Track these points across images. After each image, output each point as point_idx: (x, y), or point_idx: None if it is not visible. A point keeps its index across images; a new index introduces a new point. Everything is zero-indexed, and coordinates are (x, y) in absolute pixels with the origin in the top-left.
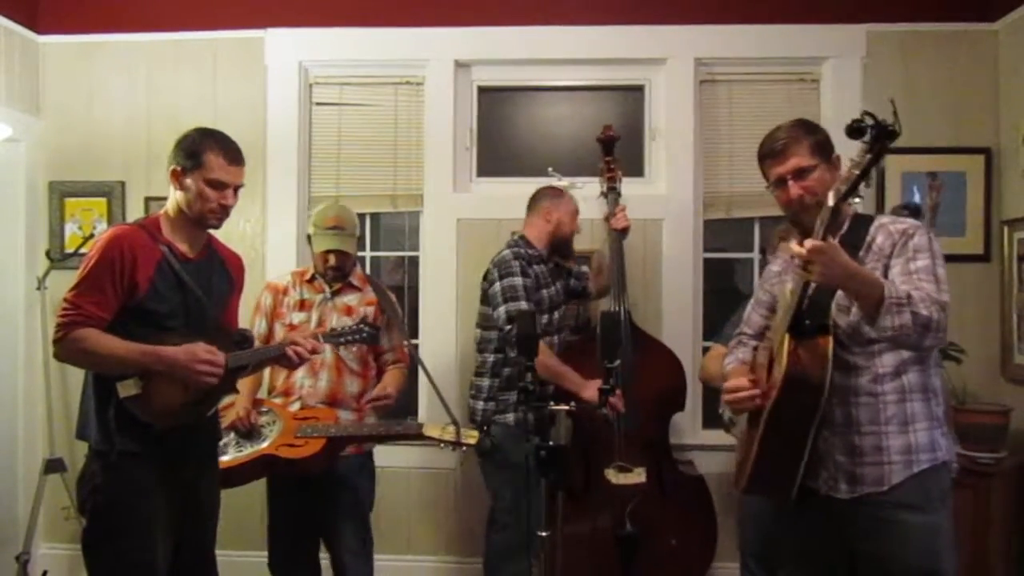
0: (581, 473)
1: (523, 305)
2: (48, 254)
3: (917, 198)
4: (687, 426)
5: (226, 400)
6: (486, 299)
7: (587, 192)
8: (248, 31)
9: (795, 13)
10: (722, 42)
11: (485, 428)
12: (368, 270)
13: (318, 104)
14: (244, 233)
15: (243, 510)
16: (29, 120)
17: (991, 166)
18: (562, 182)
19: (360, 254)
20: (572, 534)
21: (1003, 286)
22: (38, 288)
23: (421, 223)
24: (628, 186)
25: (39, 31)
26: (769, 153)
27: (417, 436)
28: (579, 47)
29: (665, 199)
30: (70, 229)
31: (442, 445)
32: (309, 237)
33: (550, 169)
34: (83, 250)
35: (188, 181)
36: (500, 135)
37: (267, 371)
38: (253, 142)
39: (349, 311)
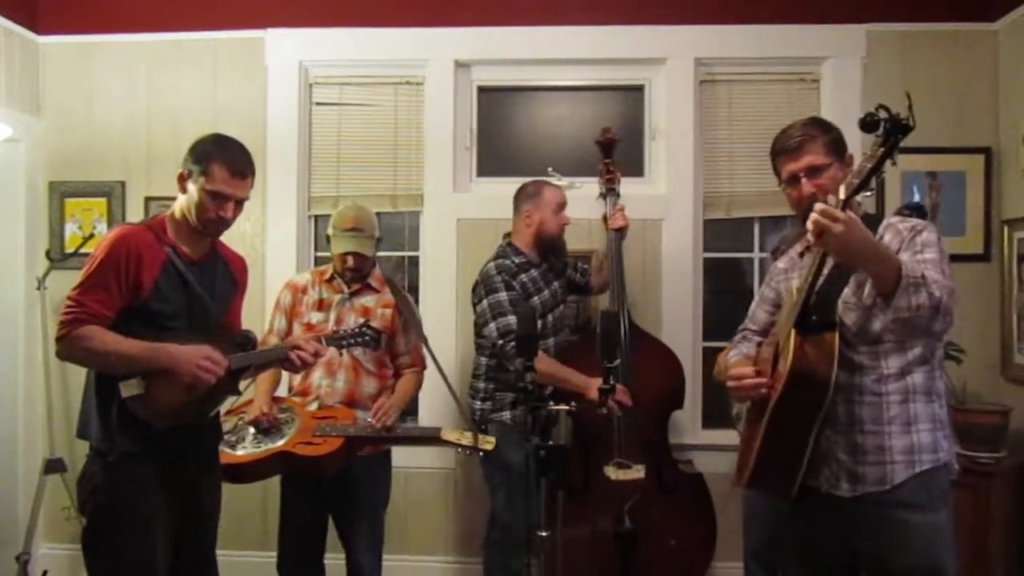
0: (581, 472)
1: (511, 319)
2: (48, 254)
3: (917, 198)
4: (687, 426)
5: (244, 397)
6: (476, 313)
7: (587, 192)
8: (248, 31)
9: (795, 13)
10: (722, 42)
11: (483, 428)
12: None
13: (318, 104)
14: (244, 233)
15: (243, 510)
16: (29, 120)
17: (991, 166)
18: (562, 182)
19: None
20: (572, 532)
21: (1003, 286)
22: (38, 288)
23: (421, 223)
24: (628, 186)
25: (39, 31)
26: (783, 150)
27: (435, 440)
28: (579, 47)
29: (665, 199)
30: (70, 229)
31: (459, 450)
32: (328, 238)
33: (550, 169)
34: (83, 250)
35: (191, 187)
36: (500, 135)
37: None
38: (253, 142)
39: (367, 312)
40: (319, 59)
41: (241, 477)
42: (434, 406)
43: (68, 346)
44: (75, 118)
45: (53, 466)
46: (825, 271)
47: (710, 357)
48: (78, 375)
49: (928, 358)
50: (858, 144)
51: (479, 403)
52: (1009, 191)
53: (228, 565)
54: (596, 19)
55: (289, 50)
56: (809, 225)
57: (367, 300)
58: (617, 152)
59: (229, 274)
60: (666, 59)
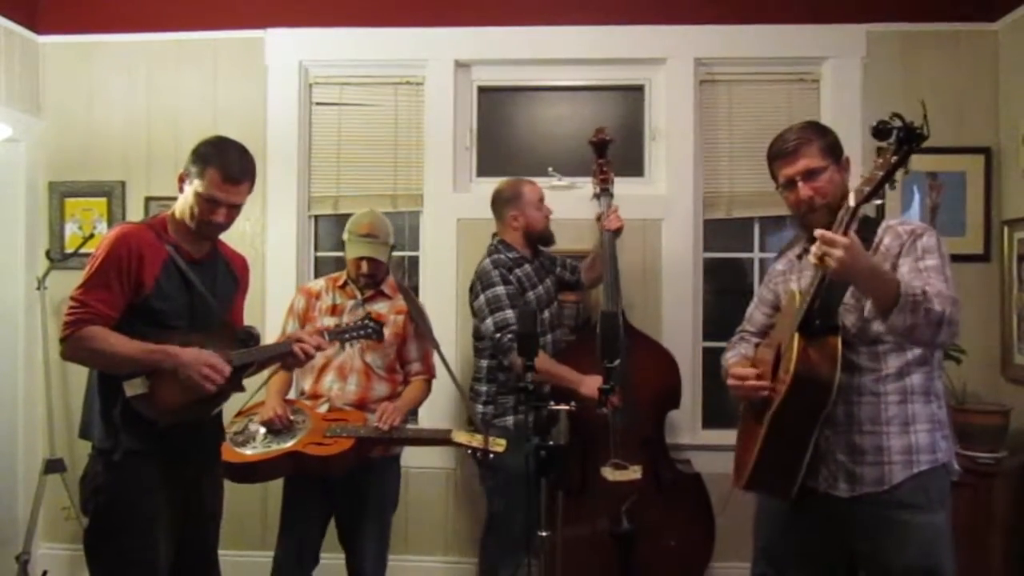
0: (578, 472)
1: (509, 314)
2: (48, 254)
3: (917, 198)
4: (687, 426)
5: (255, 400)
6: (474, 311)
7: (587, 192)
8: (248, 31)
9: (795, 13)
10: (722, 42)
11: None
12: None
13: (318, 104)
14: (244, 233)
15: (243, 510)
16: (29, 120)
17: (991, 166)
18: (562, 182)
19: None
20: (570, 532)
21: (1003, 286)
22: (38, 288)
23: (421, 223)
24: (628, 186)
25: (39, 31)
26: (779, 154)
27: (445, 441)
28: (579, 47)
29: (665, 199)
30: (70, 229)
31: (469, 451)
32: (343, 243)
33: (550, 169)
34: (83, 250)
35: (188, 188)
36: (500, 135)
37: (296, 374)
38: (253, 142)
39: (379, 319)
40: (319, 59)
41: (250, 477)
42: (435, 408)
43: (72, 346)
44: (75, 118)
45: (53, 466)
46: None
47: (710, 357)
48: (78, 375)
49: (927, 359)
50: (859, 145)
51: (481, 407)
52: (1009, 191)
53: (228, 565)
54: (596, 19)
55: (289, 50)
56: (812, 249)
57: (380, 306)
58: (611, 152)
59: (230, 273)
60: (666, 59)
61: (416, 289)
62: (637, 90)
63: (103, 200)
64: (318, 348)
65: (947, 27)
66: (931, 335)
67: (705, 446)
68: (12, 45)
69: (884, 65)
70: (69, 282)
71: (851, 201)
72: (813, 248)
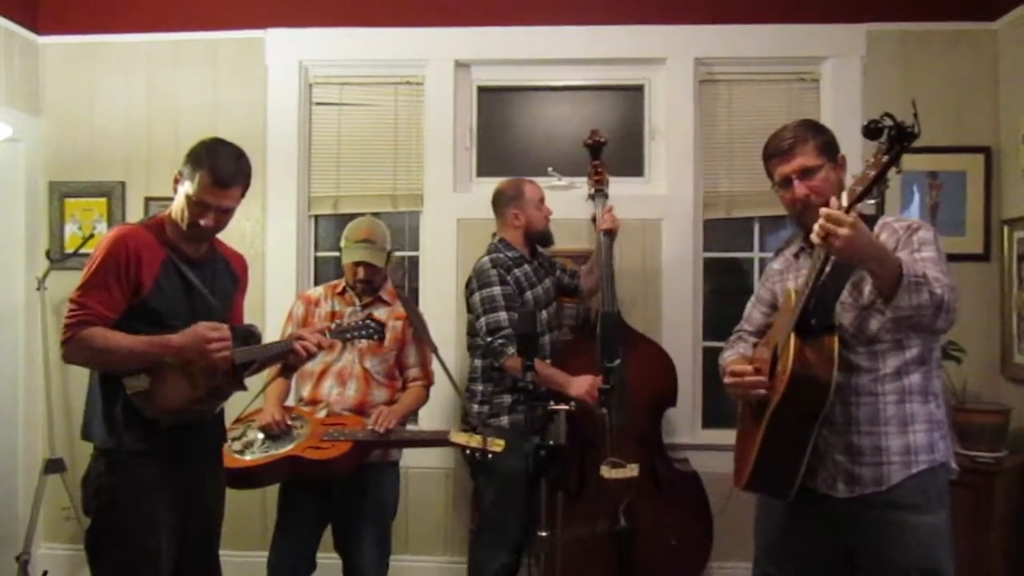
0: (576, 472)
1: (502, 316)
2: (48, 254)
3: (917, 198)
4: (687, 426)
5: (253, 407)
6: (469, 306)
7: (586, 192)
8: (248, 31)
9: (795, 13)
10: (722, 42)
11: (478, 431)
12: None
13: (318, 104)
14: (244, 233)
15: (243, 510)
16: (29, 120)
17: (991, 166)
18: (562, 182)
19: None
20: (568, 532)
21: (1003, 286)
22: (38, 288)
23: (421, 223)
24: (627, 186)
25: (39, 31)
26: (775, 152)
27: (444, 443)
28: (579, 47)
29: (665, 199)
30: (70, 229)
31: (468, 451)
32: (340, 249)
33: (550, 169)
34: (83, 250)
35: (180, 190)
36: (500, 135)
37: (295, 380)
38: (253, 142)
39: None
40: (319, 59)
41: (249, 482)
42: (433, 410)
43: (73, 349)
44: (75, 118)
45: (53, 466)
46: (827, 274)
47: (710, 357)
48: (78, 375)
49: (926, 358)
50: (858, 145)
51: (476, 406)
52: (1009, 191)
53: (228, 565)
54: (596, 19)
55: (289, 50)
56: (815, 227)
57: (379, 312)
58: (611, 152)
59: (230, 272)
60: (666, 59)
61: (416, 290)
62: (637, 90)
63: (103, 200)
64: (319, 346)
65: (947, 27)
66: (931, 318)
67: (705, 446)
68: (12, 45)
69: (884, 65)
70: (69, 282)
71: (844, 201)
72: (816, 227)
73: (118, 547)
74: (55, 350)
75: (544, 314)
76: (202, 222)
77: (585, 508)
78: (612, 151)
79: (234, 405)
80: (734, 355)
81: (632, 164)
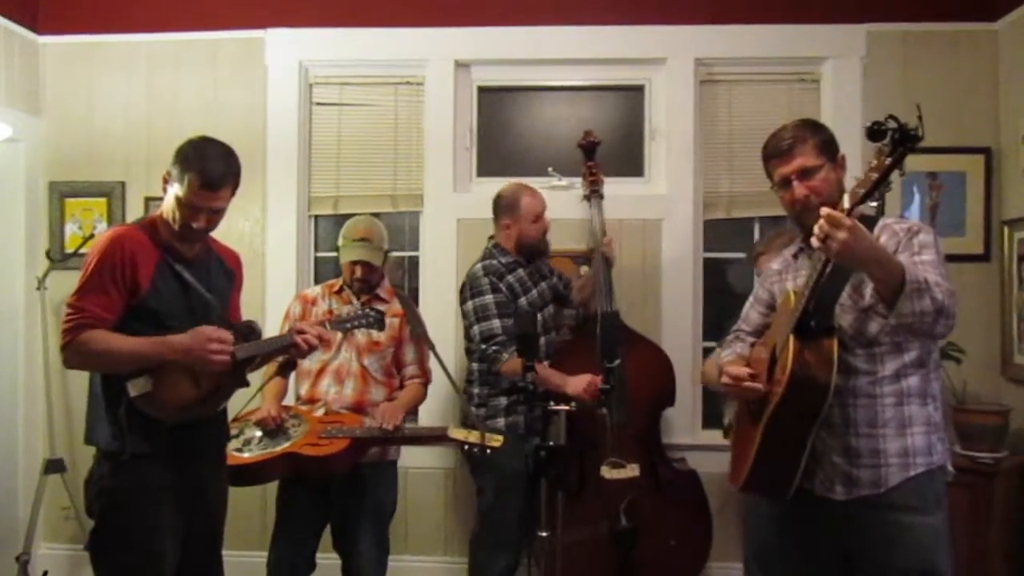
0: (576, 472)
1: (495, 324)
2: (48, 254)
3: (917, 198)
4: (687, 426)
5: (250, 406)
6: (463, 314)
7: (580, 194)
8: (248, 31)
9: (795, 13)
10: (722, 42)
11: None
12: None
13: (318, 104)
14: (244, 233)
15: (243, 510)
16: (29, 120)
17: (991, 166)
18: (562, 182)
19: None
20: (570, 532)
21: (1003, 286)
22: (38, 288)
23: (421, 223)
24: (627, 186)
25: (39, 31)
26: (774, 153)
27: (442, 439)
28: (579, 47)
29: (665, 199)
30: (70, 229)
31: (466, 447)
32: (338, 249)
33: (550, 169)
34: (83, 250)
35: (169, 191)
36: (500, 135)
37: (292, 379)
38: (253, 142)
39: None
40: (319, 59)
41: (247, 479)
42: (432, 409)
43: (73, 353)
44: (75, 118)
45: (53, 466)
46: (827, 276)
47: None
48: (79, 375)
49: (924, 361)
50: (858, 145)
51: (473, 409)
52: (1009, 191)
53: (228, 565)
54: (596, 19)
55: (289, 50)
56: (815, 230)
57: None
58: (611, 153)
59: (225, 270)
60: (666, 59)
61: (416, 289)
62: (637, 90)
63: (103, 200)
64: (320, 338)
65: (947, 27)
66: (932, 324)
67: (704, 446)
68: (12, 45)
69: (884, 65)
70: (69, 282)
71: (846, 203)
72: (816, 229)
73: (122, 549)
74: (55, 350)
75: (539, 317)
76: (194, 225)
77: (585, 508)
78: (612, 151)
79: (233, 405)
80: (731, 355)
81: (632, 164)
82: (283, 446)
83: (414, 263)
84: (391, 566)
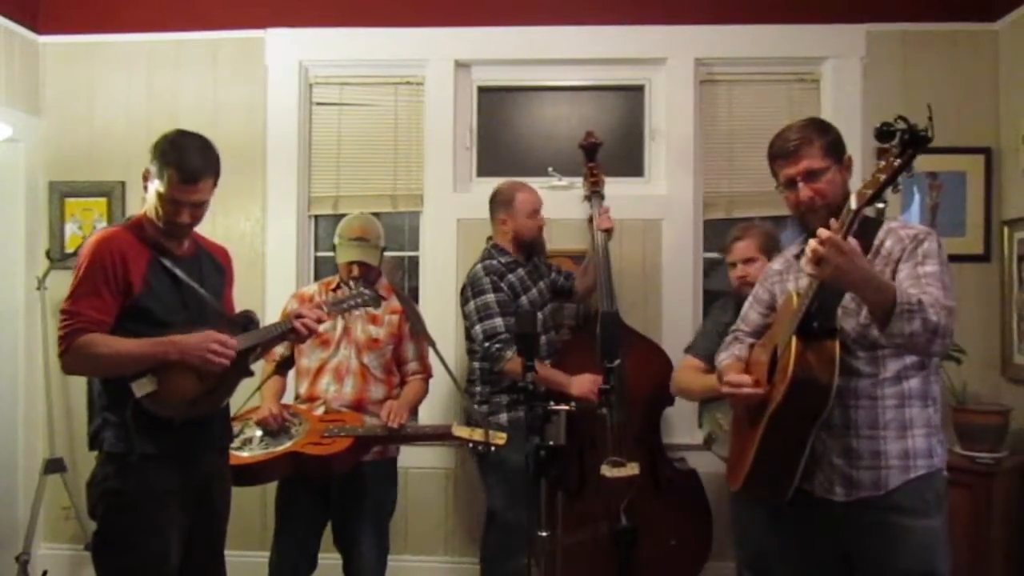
0: (576, 472)
1: (497, 322)
2: (48, 254)
3: (917, 198)
4: (686, 426)
5: (250, 404)
6: (464, 314)
7: (581, 194)
8: (248, 31)
9: (795, 13)
10: (722, 42)
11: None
12: None
13: (318, 104)
14: (244, 233)
15: (243, 510)
16: (29, 120)
17: (991, 166)
18: (562, 182)
19: None
20: (570, 532)
21: (1003, 286)
22: (38, 288)
23: (421, 223)
24: (627, 186)
25: (39, 31)
26: (780, 153)
27: (446, 437)
28: (579, 47)
29: (665, 199)
30: (70, 229)
31: (470, 445)
32: (335, 247)
33: (550, 169)
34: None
35: (150, 187)
36: (500, 135)
37: (291, 377)
38: (253, 142)
39: (374, 320)
40: (319, 59)
41: (248, 479)
42: (433, 407)
43: (72, 358)
44: (75, 118)
45: (53, 466)
46: None
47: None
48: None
49: (925, 363)
50: (859, 145)
51: (475, 406)
52: (1009, 191)
53: (229, 565)
54: (596, 19)
55: (289, 50)
56: (807, 252)
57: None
58: (611, 153)
59: (216, 266)
60: (666, 59)
61: (416, 289)
62: (637, 90)
63: (103, 200)
64: (319, 321)
65: (947, 27)
66: (926, 344)
67: (703, 446)
68: (12, 45)
69: (884, 65)
70: (69, 282)
71: (853, 204)
72: (808, 249)
73: (126, 551)
74: (55, 350)
75: (540, 315)
76: (179, 220)
77: (585, 508)
78: (612, 151)
79: (233, 405)
80: (729, 357)
81: (632, 164)
82: (285, 445)
83: (414, 263)
84: (391, 566)
